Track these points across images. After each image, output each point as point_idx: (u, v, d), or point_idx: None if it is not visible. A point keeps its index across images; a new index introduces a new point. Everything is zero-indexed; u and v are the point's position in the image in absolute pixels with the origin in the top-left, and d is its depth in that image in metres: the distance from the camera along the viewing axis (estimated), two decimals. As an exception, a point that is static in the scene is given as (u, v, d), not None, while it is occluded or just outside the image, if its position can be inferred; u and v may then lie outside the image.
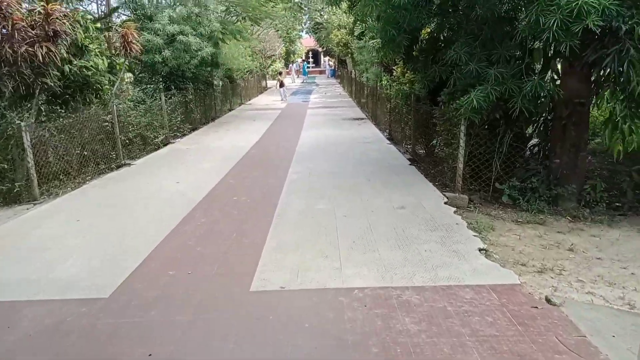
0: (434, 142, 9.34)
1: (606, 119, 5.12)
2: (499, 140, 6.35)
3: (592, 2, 4.32)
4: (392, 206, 6.13)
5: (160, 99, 12.33)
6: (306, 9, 30.45)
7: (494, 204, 6.36)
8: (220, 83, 20.76)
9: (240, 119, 17.40)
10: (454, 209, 6.03)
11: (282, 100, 23.74)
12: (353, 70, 27.12)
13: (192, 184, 7.73)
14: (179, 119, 13.28)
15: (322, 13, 31.66)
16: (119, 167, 9.52)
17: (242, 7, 16.66)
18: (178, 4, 13.93)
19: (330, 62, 51.39)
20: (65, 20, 7.43)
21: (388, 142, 11.26)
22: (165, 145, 11.98)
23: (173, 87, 13.60)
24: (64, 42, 7.57)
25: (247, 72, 27.23)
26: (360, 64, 19.24)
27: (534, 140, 7.05)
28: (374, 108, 15.84)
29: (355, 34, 16.51)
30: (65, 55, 7.92)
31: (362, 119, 16.09)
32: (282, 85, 25.12)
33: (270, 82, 41.10)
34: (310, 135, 12.65)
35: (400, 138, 11.41)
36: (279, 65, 44.33)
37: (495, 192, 6.50)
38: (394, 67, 12.09)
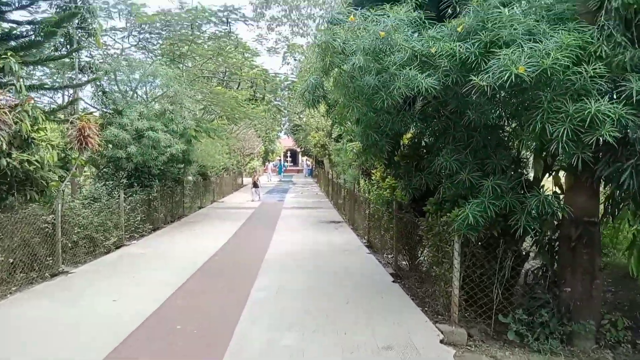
0: (420, 256, 8.39)
1: (630, 243, 4.29)
2: (499, 263, 5.41)
3: (606, 110, 3.71)
4: (377, 345, 4.89)
5: (119, 196, 11.27)
6: (285, 111, 31.39)
7: (498, 340, 5.21)
8: (192, 180, 20.01)
9: (210, 218, 16.30)
10: (452, 349, 4.84)
11: (254, 200, 22.58)
12: (330, 171, 27.04)
13: (131, 303, 6.34)
14: (139, 218, 12.09)
15: (300, 116, 32.59)
16: (54, 275, 8.07)
17: (220, 106, 16.53)
18: (152, 101, 13.58)
19: (308, 162, 52.27)
20: (6, 110, 6.60)
21: (367, 250, 10.23)
22: (117, 248, 10.63)
23: (136, 184, 12.63)
24: (2, 134, 6.66)
25: (222, 169, 26.81)
26: (338, 165, 19.02)
27: (534, 262, 6.18)
28: (352, 211, 15.09)
29: (333, 136, 16.39)
30: (4, 147, 6.97)
31: (339, 222, 15.22)
32: (255, 185, 23.47)
33: (247, 180, 40.88)
34: (283, 240, 11.56)
35: (380, 246, 10.43)
36: (256, 163, 44.61)
37: (497, 324, 5.39)
38: (372, 171, 11.56)
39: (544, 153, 5.46)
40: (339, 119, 6.97)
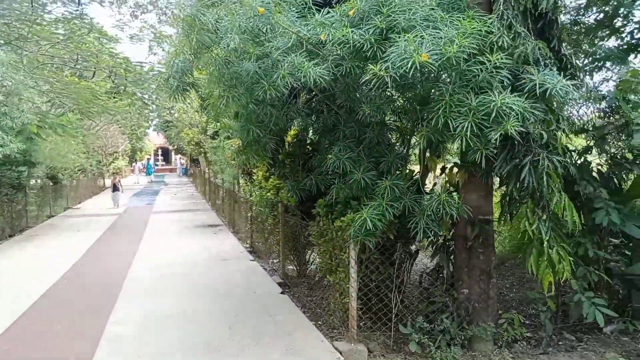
0: (310, 263, 7.84)
1: (528, 243, 4.20)
2: (396, 267, 5.05)
3: (512, 103, 3.46)
4: (269, 382, 4.10)
5: None
6: (153, 106, 28.46)
7: (400, 353, 4.83)
8: (38, 184, 16.77)
9: (60, 229, 13.67)
10: (355, 372, 4.30)
11: (115, 206, 19.16)
12: (207, 170, 25.37)
13: None
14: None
15: (171, 111, 30.01)
16: None
17: (72, 99, 13.94)
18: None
19: (182, 160, 48.98)
20: None
21: (251, 257, 9.36)
22: None
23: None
24: None
25: (78, 170, 23.26)
26: (215, 164, 17.64)
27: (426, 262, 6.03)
28: (232, 213, 14.01)
29: (209, 133, 15.06)
30: None
31: (218, 225, 14.01)
32: (115, 188, 19.66)
33: (109, 181, 36.43)
34: (152, 251, 10.02)
35: (265, 251, 9.67)
36: (122, 162, 40.15)
37: (398, 333, 5.02)
38: (254, 170, 10.67)
39: (437, 150, 5.26)
40: (215, 113, 5.99)
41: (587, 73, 6.85)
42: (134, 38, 17.05)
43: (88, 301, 6.54)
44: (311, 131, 6.91)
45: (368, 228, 4.33)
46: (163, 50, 21.48)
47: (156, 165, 58.35)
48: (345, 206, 5.46)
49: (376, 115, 4.74)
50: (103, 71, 14.51)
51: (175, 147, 41.50)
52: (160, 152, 62.09)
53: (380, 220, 4.35)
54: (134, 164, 39.46)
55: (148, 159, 34.26)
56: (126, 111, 27.91)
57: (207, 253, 9.76)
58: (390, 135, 5.45)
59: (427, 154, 5.06)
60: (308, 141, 7.20)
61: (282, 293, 6.77)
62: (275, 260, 9.09)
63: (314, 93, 5.85)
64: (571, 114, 5.55)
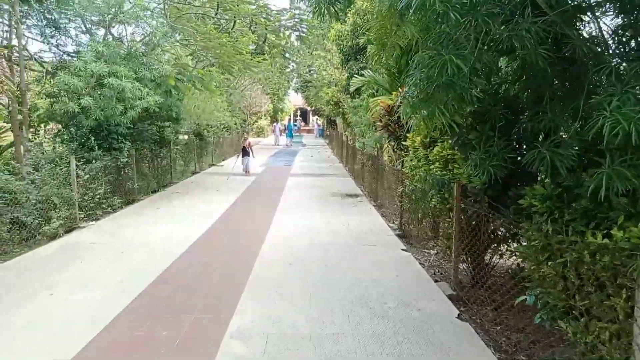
0: (492, 266, 5.55)
1: None
2: None
3: None
4: None
5: (70, 164, 8.45)
6: (293, 64, 27.82)
7: None
8: (184, 140, 17.09)
9: (202, 188, 13.49)
10: None
11: (245, 173, 16.20)
12: (344, 132, 23.92)
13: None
14: (101, 191, 9.30)
15: (311, 70, 29.02)
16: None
17: (213, 53, 13.31)
18: (116, 39, 10.43)
19: (319, 122, 48.88)
20: None
21: (402, 245, 7.35)
22: (69, 231, 7.96)
23: (98, 148, 9.74)
24: None
25: (223, 128, 23.83)
26: (355, 126, 15.83)
27: None
28: (372, 182, 12.16)
29: (351, 89, 13.19)
30: None
31: (357, 195, 12.30)
32: (245, 153, 16.34)
33: (253, 140, 37.78)
34: (286, 225, 8.70)
35: (418, 235, 7.61)
36: (264, 122, 41.43)
37: None
38: (407, 134, 8.47)
39: None
40: (379, 40, 3.88)
41: None
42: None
43: (208, 294, 5.27)
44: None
45: None
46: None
47: (295, 125, 59.35)
48: (594, 203, 3.02)
49: None
50: (243, 21, 13.53)
51: (313, 108, 41.20)
52: (299, 112, 63.43)
53: None
54: (274, 124, 39.61)
55: (289, 120, 33.74)
56: (268, 70, 27.85)
57: (347, 233, 8.04)
58: None
59: None
60: (511, 93, 4.69)
61: (459, 317, 4.61)
62: (432, 252, 6.97)
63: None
64: None
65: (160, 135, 13.01)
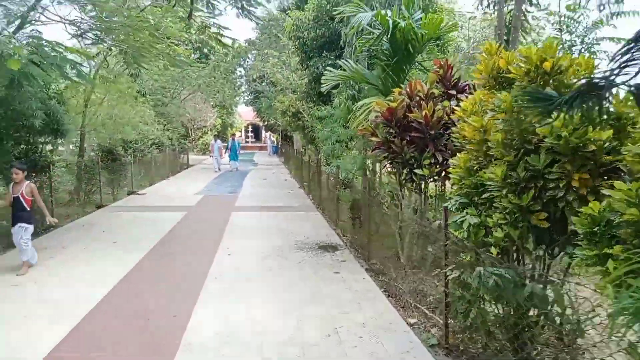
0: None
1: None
2: None
3: None
4: None
5: None
6: (240, 70, 23.33)
7: None
8: (82, 162, 12.13)
9: (90, 237, 8.66)
10: None
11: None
12: (306, 150, 19.72)
13: None
14: None
15: (262, 76, 24.70)
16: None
17: (110, 31, 8.81)
18: None
19: (272, 138, 44.55)
20: None
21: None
22: None
23: None
24: None
25: (152, 145, 18.89)
26: (323, 142, 11.56)
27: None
28: (359, 227, 7.98)
29: (323, 88, 8.98)
30: None
31: (335, 248, 8.00)
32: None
33: (195, 158, 32.53)
34: (209, 347, 4.25)
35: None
36: (209, 138, 36.35)
37: None
38: (424, 160, 4.35)
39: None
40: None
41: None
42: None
43: None
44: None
45: None
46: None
47: (246, 142, 53.54)
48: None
49: None
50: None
51: (266, 123, 36.66)
52: (250, 128, 58.63)
53: None
54: (212, 141, 27.41)
55: (233, 137, 25.65)
56: (209, 75, 23.23)
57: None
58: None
59: None
60: None
61: None
62: None
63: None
64: None
65: (34, 156, 8.16)
